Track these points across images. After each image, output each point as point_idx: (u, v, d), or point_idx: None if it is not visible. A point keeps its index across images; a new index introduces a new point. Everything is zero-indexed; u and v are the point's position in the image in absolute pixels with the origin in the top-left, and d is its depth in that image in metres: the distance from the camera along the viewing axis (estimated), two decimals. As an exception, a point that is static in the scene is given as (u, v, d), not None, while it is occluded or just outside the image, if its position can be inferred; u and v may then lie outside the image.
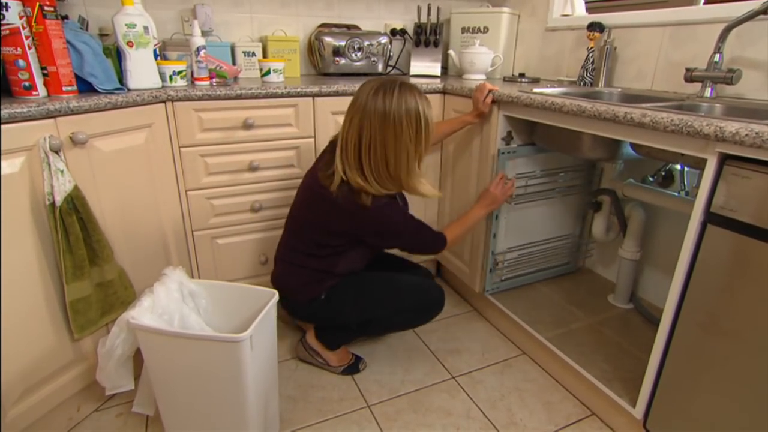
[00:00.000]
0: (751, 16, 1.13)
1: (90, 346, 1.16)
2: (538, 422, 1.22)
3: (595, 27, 1.57)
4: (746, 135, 0.78)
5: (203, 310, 1.14)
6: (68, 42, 1.10)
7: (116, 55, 1.25)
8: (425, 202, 1.74)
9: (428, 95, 1.59)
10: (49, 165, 0.97)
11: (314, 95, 1.46)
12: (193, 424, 1.06)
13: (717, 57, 1.23)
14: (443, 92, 1.63)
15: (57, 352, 1.08)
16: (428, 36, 1.93)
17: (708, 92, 1.26)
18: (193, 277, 1.48)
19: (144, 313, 0.98)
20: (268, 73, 1.56)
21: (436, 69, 1.93)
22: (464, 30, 1.97)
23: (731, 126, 0.80)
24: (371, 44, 1.82)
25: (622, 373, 1.23)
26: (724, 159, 0.85)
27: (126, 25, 1.20)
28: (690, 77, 1.28)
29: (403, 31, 2.02)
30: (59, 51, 1.06)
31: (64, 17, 1.24)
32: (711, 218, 0.88)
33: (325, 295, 1.26)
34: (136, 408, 1.13)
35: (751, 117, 0.87)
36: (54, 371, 1.09)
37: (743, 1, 1.21)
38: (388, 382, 1.36)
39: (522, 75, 1.86)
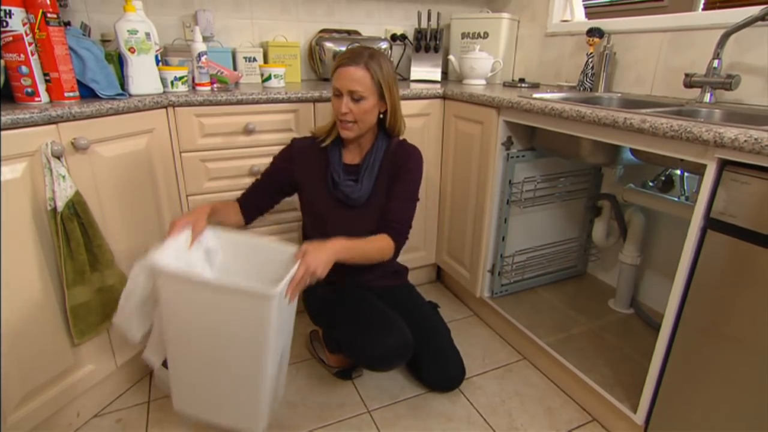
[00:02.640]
0: (749, 22, 1.14)
1: (90, 351, 1.16)
2: (538, 427, 1.22)
3: (594, 32, 1.58)
4: (745, 141, 0.78)
5: (220, 265, 1.08)
6: (70, 48, 1.11)
7: (118, 61, 1.25)
8: (425, 206, 1.74)
9: (428, 100, 1.61)
10: (51, 170, 0.97)
11: (315, 100, 1.47)
12: (204, 383, 1.00)
13: (716, 63, 1.23)
14: (443, 97, 1.63)
15: (57, 357, 1.08)
16: (428, 41, 1.93)
17: (707, 98, 1.27)
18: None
19: (165, 258, 0.93)
20: (268, 78, 1.57)
21: (436, 74, 1.93)
22: (464, 35, 1.98)
23: (730, 132, 0.81)
24: (372, 49, 1.82)
25: (623, 378, 1.22)
26: (724, 164, 0.85)
27: (128, 31, 1.20)
28: (689, 83, 1.29)
29: (403, 37, 2.03)
30: (62, 57, 1.07)
31: (67, 24, 1.25)
32: (711, 224, 0.88)
33: (319, 291, 1.29)
34: (145, 355, 1.07)
35: (750, 123, 0.87)
36: (54, 376, 1.08)
37: (742, 7, 1.22)
38: (388, 387, 1.35)
39: (522, 80, 1.87)
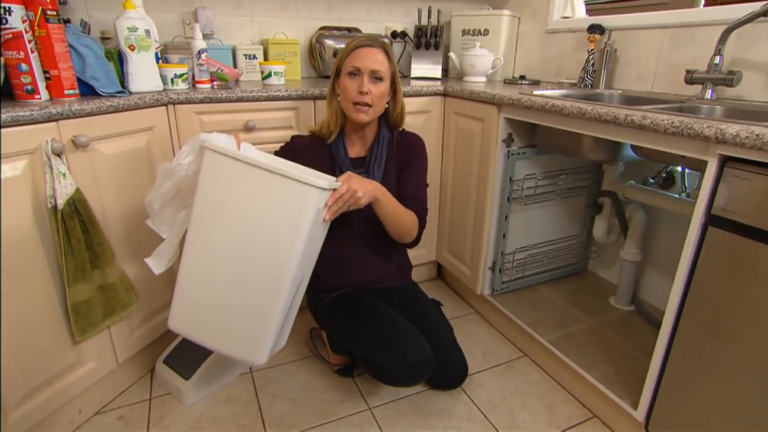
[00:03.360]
0: (751, 18, 1.14)
1: (92, 348, 1.16)
2: (539, 425, 1.22)
3: (595, 29, 1.58)
4: (747, 137, 0.78)
5: None
6: (70, 46, 1.11)
7: (118, 59, 1.25)
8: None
9: (429, 97, 1.61)
10: (51, 168, 0.97)
11: (315, 98, 1.47)
12: (214, 293, 0.94)
13: (717, 59, 1.23)
14: (444, 94, 1.63)
15: (58, 354, 1.08)
16: (429, 38, 1.93)
17: (708, 94, 1.27)
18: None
19: (216, 139, 0.91)
20: (269, 75, 1.56)
21: (436, 71, 1.93)
22: (465, 32, 1.97)
23: (732, 128, 0.80)
24: (372, 47, 1.82)
25: (623, 375, 1.23)
26: (725, 161, 0.85)
27: (128, 28, 1.20)
28: (690, 79, 1.28)
29: (403, 34, 2.02)
30: (61, 55, 1.07)
31: (67, 21, 1.25)
32: (712, 220, 0.88)
33: (327, 299, 1.27)
34: (149, 260, 1.03)
35: (751, 119, 0.87)
36: (55, 374, 1.08)
37: (743, 3, 1.22)
38: (389, 384, 1.36)
39: (522, 77, 1.86)
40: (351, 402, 1.29)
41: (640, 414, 1.08)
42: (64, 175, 0.99)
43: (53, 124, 0.99)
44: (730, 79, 1.20)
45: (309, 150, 1.23)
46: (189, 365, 1.29)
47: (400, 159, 1.27)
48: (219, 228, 0.93)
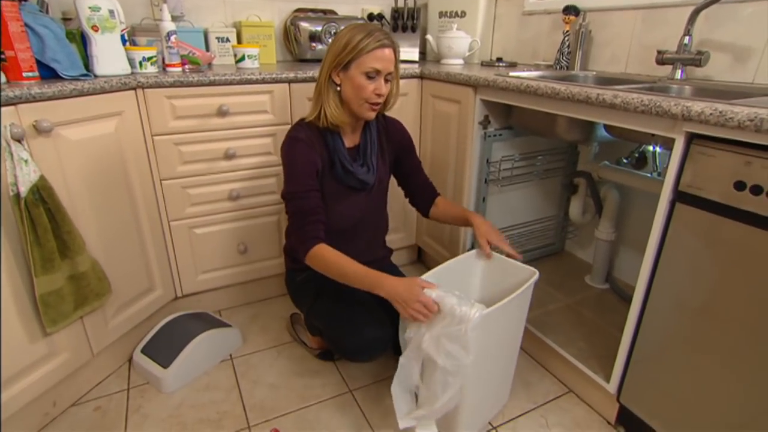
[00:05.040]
0: (718, -1, 1.15)
1: (64, 339, 1.13)
2: (517, 401, 1.25)
3: (570, 10, 1.58)
4: (711, 114, 0.79)
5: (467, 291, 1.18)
6: (27, 25, 1.05)
7: (81, 40, 1.20)
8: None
9: (406, 80, 1.60)
10: (12, 154, 0.93)
11: (290, 81, 1.44)
12: (487, 390, 1.12)
13: (687, 39, 1.25)
14: (421, 77, 1.62)
15: (28, 346, 1.05)
16: (406, 21, 1.91)
17: (678, 74, 1.29)
18: (170, 267, 1.45)
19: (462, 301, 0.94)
20: (242, 59, 1.53)
21: (414, 54, 1.91)
22: (442, 14, 1.95)
23: (697, 105, 0.82)
24: (348, 29, 1.79)
25: (597, 350, 1.26)
26: (691, 138, 0.87)
27: (89, 8, 1.15)
28: (661, 60, 1.30)
29: (380, 16, 1.99)
30: (17, 35, 1.02)
31: None
32: (679, 197, 0.91)
33: (301, 277, 1.28)
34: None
35: (717, 97, 0.89)
36: (26, 366, 1.06)
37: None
38: (370, 367, 1.37)
39: (500, 59, 1.86)
40: (332, 385, 1.30)
41: (612, 387, 1.11)
42: (26, 161, 0.95)
43: (11, 108, 0.95)
44: (699, 59, 1.22)
45: (313, 143, 1.14)
46: (167, 354, 1.28)
47: (390, 146, 1.27)
48: (484, 363, 1.03)
